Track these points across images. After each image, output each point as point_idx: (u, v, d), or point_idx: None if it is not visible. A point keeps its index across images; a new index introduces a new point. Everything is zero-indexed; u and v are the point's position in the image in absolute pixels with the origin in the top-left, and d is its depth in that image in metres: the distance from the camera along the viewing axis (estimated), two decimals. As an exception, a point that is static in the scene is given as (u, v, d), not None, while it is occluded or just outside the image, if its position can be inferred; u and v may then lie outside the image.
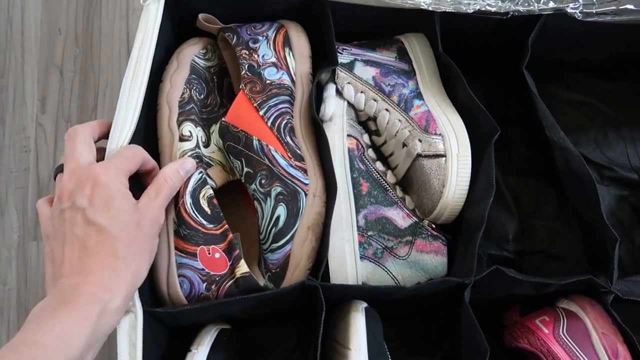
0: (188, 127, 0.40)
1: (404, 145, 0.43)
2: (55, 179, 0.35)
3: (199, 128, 0.41)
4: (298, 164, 0.41)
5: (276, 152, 0.40)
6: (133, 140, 0.37)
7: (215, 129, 0.43)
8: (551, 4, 0.43)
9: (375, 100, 0.45)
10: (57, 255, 0.32)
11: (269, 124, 0.41)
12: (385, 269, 0.42)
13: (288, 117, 0.42)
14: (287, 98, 0.42)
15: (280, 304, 0.42)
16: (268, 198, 0.39)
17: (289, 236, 0.39)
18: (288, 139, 0.41)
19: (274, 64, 0.42)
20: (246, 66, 0.42)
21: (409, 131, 0.43)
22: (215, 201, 0.39)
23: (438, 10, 0.43)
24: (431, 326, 0.47)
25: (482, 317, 0.39)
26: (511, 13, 0.43)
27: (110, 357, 0.48)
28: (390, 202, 0.42)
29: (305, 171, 0.41)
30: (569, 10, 0.43)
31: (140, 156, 0.36)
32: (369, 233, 0.42)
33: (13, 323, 0.52)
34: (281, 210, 0.39)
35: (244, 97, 0.41)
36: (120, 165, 0.34)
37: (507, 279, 0.40)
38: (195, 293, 0.38)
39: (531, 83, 0.47)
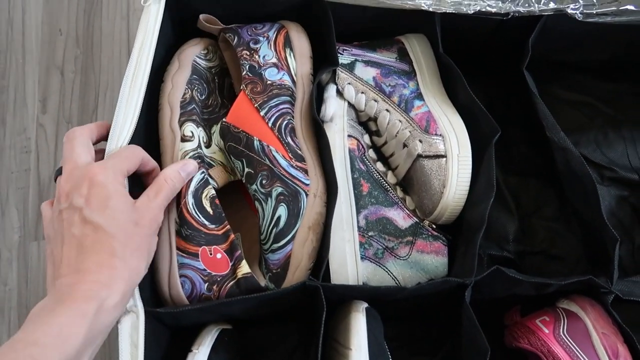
0: (190, 128, 0.40)
1: (405, 145, 0.43)
2: (55, 181, 0.35)
3: (200, 128, 0.41)
4: (299, 164, 0.41)
5: (277, 152, 0.40)
6: (133, 141, 0.37)
7: (216, 129, 0.43)
8: (551, 5, 0.43)
9: (375, 100, 0.45)
10: (57, 256, 0.32)
11: (269, 124, 0.41)
12: (386, 270, 0.42)
13: (289, 117, 0.42)
14: (288, 98, 0.42)
15: (281, 304, 0.42)
16: (269, 198, 0.39)
17: (289, 236, 0.39)
18: (289, 139, 0.41)
19: (274, 65, 0.42)
20: (247, 67, 0.42)
21: (410, 132, 0.43)
22: (217, 201, 0.39)
23: (438, 11, 0.43)
24: (432, 326, 0.47)
25: (482, 317, 0.39)
26: (511, 14, 0.44)
27: (111, 357, 0.48)
28: (391, 202, 0.43)
29: (306, 171, 0.41)
30: (569, 11, 0.43)
31: (138, 156, 0.36)
32: (370, 233, 0.42)
33: (14, 323, 0.52)
34: (282, 211, 0.39)
35: (244, 98, 0.41)
36: (118, 165, 0.34)
37: (507, 279, 0.40)
38: (197, 293, 0.38)
39: (531, 84, 0.47)
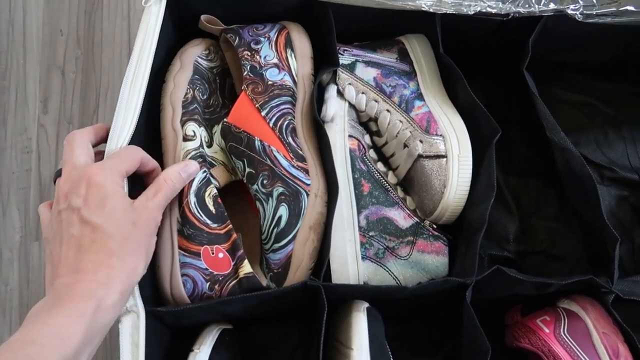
0: (192, 127, 0.40)
1: (405, 146, 0.43)
2: (55, 183, 0.35)
3: (202, 128, 0.41)
4: (300, 164, 0.41)
5: (278, 152, 0.40)
6: (133, 141, 0.37)
7: (217, 129, 0.43)
8: (552, 6, 0.43)
9: (376, 101, 0.45)
10: (55, 256, 0.32)
11: (270, 124, 0.41)
12: (387, 269, 0.42)
13: (290, 117, 0.42)
14: (289, 99, 0.42)
15: (282, 304, 0.42)
16: (270, 198, 0.39)
17: (290, 236, 0.39)
18: (290, 139, 0.41)
19: (275, 65, 0.43)
20: (248, 67, 0.42)
21: (410, 132, 0.43)
22: (219, 200, 0.39)
23: (439, 12, 0.43)
24: (433, 326, 0.48)
25: (483, 317, 0.39)
26: (512, 14, 0.44)
27: (112, 357, 0.48)
28: (392, 202, 0.43)
29: (307, 171, 0.41)
30: (569, 11, 0.43)
31: (138, 157, 0.36)
32: (371, 233, 0.42)
33: (15, 323, 0.52)
34: (283, 211, 0.39)
35: (246, 98, 0.41)
36: (116, 165, 0.34)
37: (508, 279, 0.40)
38: (199, 292, 0.38)
39: (532, 84, 0.47)
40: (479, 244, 0.40)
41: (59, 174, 0.35)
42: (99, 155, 0.36)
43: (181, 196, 0.38)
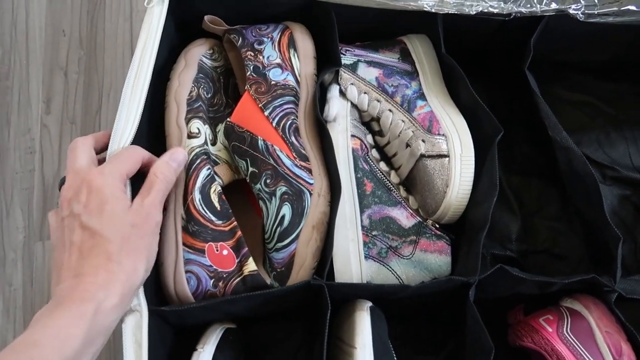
0: (196, 124, 0.41)
1: (408, 145, 0.44)
2: (60, 190, 0.35)
3: (206, 126, 0.41)
4: (303, 163, 0.41)
5: (281, 152, 0.40)
6: (135, 142, 0.37)
7: (221, 128, 0.43)
8: (553, 5, 0.43)
9: (378, 101, 0.45)
10: (59, 262, 0.33)
11: (274, 124, 0.41)
12: (390, 269, 0.42)
13: (293, 117, 0.42)
14: (292, 99, 0.42)
15: (285, 303, 0.42)
16: (273, 197, 0.40)
17: (293, 235, 0.39)
18: (293, 139, 0.41)
19: (278, 65, 0.43)
20: (251, 67, 0.42)
21: (412, 131, 0.43)
22: (224, 197, 0.39)
23: (441, 12, 0.43)
24: (436, 325, 0.48)
25: (486, 316, 0.39)
26: (513, 14, 0.44)
27: (115, 357, 0.48)
28: (394, 202, 0.43)
29: (310, 171, 0.41)
30: (571, 11, 0.43)
31: (138, 157, 0.36)
32: (373, 233, 0.42)
33: (19, 323, 0.52)
34: (286, 210, 0.39)
35: (249, 98, 0.41)
36: (116, 169, 0.34)
37: (511, 278, 0.40)
38: (202, 289, 0.38)
39: (533, 84, 0.47)
40: (481, 243, 0.40)
41: (63, 181, 0.35)
42: (103, 162, 0.36)
43: (186, 193, 0.38)
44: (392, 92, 0.45)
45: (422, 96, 0.45)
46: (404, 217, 0.42)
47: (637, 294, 0.44)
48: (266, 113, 0.41)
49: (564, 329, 0.40)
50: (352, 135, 0.44)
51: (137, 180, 0.36)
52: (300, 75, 0.43)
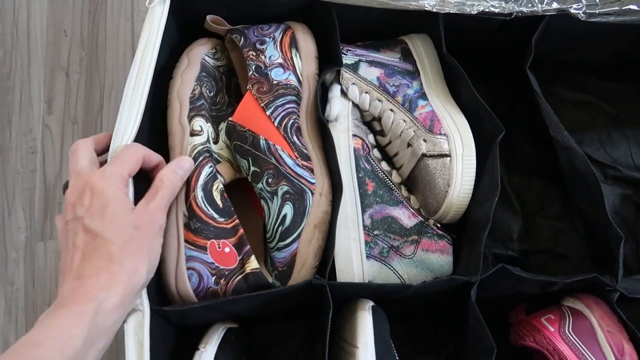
0: (199, 122, 0.41)
1: (409, 145, 0.44)
2: (64, 194, 0.36)
3: (209, 124, 0.42)
4: (305, 163, 0.41)
5: (283, 151, 0.40)
6: (137, 141, 0.37)
7: (223, 126, 0.43)
8: (554, 5, 0.43)
9: (379, 100, 0.45)
10: (64, 265, 0.33)
11: (275, 123, 0.41)
12: (392, 268, 0.42)
13: (295, 117, 0.42)
14: (294, 98, 0.42)
15: (287, 302, 0.42)
16: (275, 197, 0.40)
17: (295, 234, 0.39)
18: (295, 138, 0.41)
19: (280, 65, 0.43)
20: (253, 67, 0.42)
21: (414, 131, 0.43)
22: (226, 195, 0.39)
23: (442, 12, 0.43)
24: (437, 325, 0.48)
25: (487, 315, 0.39)
26: (515, 14, 0.44)
27: (117, 357, 0.48)
28: (396, 201, 0.43)
29: (311, 170, 0.41)
30: (572, 10, 0.43)
31: (139, 156, 0.36)
32: (375, 232, 0.42)
33: (21, 323, 0.52)
34: (288, 209, 0.39)
35: (251, 97, 0.42)
36: (117, 170, 0.34)
37: (513, 278, 0.40)
38: (204, 286, 0.38)
39: (535, 83, 0.47)
40: (483, 243, 0.40)
41: (67, 185, 0.35)
42: (104, 164, 0.36)
43: (188, 190, 0.38)
44: (394, 92, 0.45)
45: (423, 96, 0.45)
46: (406, 217, 0.42)
47: (639, 293, 0.44)
48: (268, 112, 0.41)
49: (566, 328, 0.40)
50: (354, 135, 0.44)
51: (139, 179, 0.36)
52: (302, 75, 0.43)
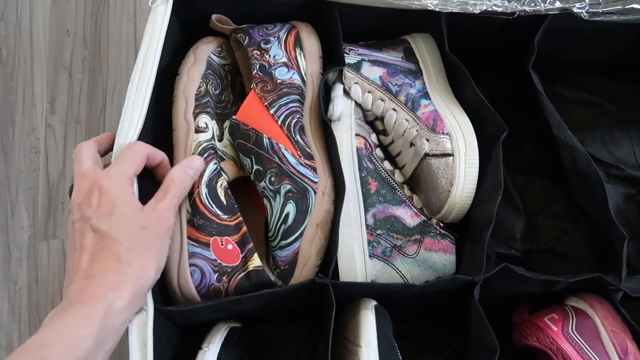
0: (204, 119, 0.41)
1: (412, 144, 0.44)
2: (70, 197, 0.36)
3: (214, 121, 0.42)
4: (307, 162, 0.41)
5: (286, 150, 0.40)
6: (141, 139, 0.37)
7: (227, 124, 0.43)
8: (557, 4, 0.43)
9: (382, 100, 0.45)
10: (70, 266, 0.33)
11: (279, 122, 0.41)
12: (394, 268, 0.42)
13: (298, 116, 0.42)
14: (298, 97, 0.42)
15: (290, 301, 0.42)
16: (277, 195, 0.40)
17: (297, 233, 0.39)
18: (298, 137, 0.41)
19: (285, 64, 0.43)
20: (257, 66, 0.42)
21: (417, 130, 0.43)
22: (230, 192, 0.39)
23: (445, 11, 0.43)
24: (440, 324, 0.48)
25: (490, 315, 0.39)
26: (517, 13, 0.44)
27: (120, 357, 0.48)
28: (399, 200, 0.43)
29: (314, 169, 0.41)
30: (575, 10, 0.43)
31: (143, 154, 0.36)
32: (378, 231, 0.42)
33: (25, 322, 0.52)
34: (290, 208, 0.39)
35: (255, 96, 0.42)
36: (122, 170, 0.35)
37: (516, 277, 0.40)
38: (206, 283, 0.38)
39: (537, 82, 0.47)
40: (486, 242, 0.40)
41: (72, 187, 0.35)
42: (108, 165, 0.36)
43: (192, 186, 0.38)
44: (396, 91, 0.45)
45: (426, 95, 0.45)
46: (408, 216, 0.42)
47: (643, 292, 0.44)
48: (272, 111, 0.41)
49: (569, 328, 0.40)
50: (357, 134, 0.44)
51: (142, 176, 0.36)
52: (306, 74, 0.44)
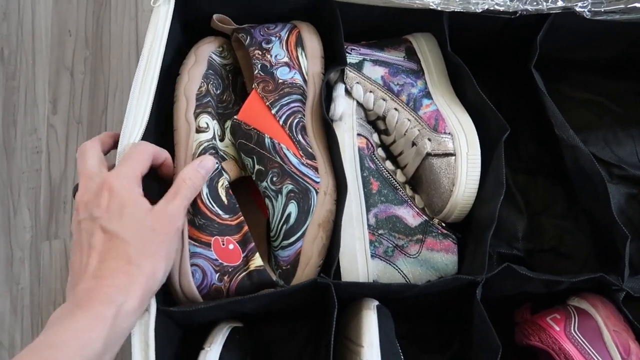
0: (205, 119, 0.41)
1: (414, 144, 0.44)
2: (74, 197, 0.36)
3: (215, 121, 0.42)
4: (309, 162, 0.41)
5: (288, 150, 0.40)
6: (144, 139, 0.37)
7: (229, 124, 0.43)
8: (560, 3, 0.43)
9: (384, 99, 0.45)
10: (76, 265, 0.33)
11: (281, 122, 0.41)
12: (396, 267, 0.42)
13: (300, 115, 0.42)
14: (299, 97, 0.42)
15: (291, 301, 0.42)
16: (279, 195, 0.40)
17: (299, 233, 0.39)
18: (300, 137, 0.41)
19: (286, 64, 0.43)
20: (259, 66, 0.42)
21: (419, 130, 0.43)
22: (231, 192, 0.39)
23: (447, 10, 0.43)
24: (442, 324, 0.48)
25: (492, 315, 0.39)
26: (520, 12, 0.44)
27: (122, 356, 0.48)
28: (400, 200, 0.43)
29: (316, 169, 0.41)
30: (577, 9, 0.43)
31: (148, 154, 0.36)
32: (380, 231, 0.42)
33: (27, 321, 0.53)
34: (292, 208, 0.39)
35: (256, 96, 0.42)
36: (130, 171, 0.35)
37: (518, 277, 0.40)
38: (207, 283, 0.38)
39: (540, 82, 0.47)
40: (488, 242, 0.40)
41: (77, 187, 0.35)
42: (112, 166, 0.36)
43: None
44: (398, 91, 0.45)
45: (427, 95, 0.45)
46: (410, 216, 0.42)
47: (645, 292, 0.44)
48: (273, 111, 0.41)
49: (572, 328, 0.40)
50: (358, 134, 0.44)
51: (145, 175, 0.36)
52: (308, 74, 0.44)
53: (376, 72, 0.46)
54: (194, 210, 0.38)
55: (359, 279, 0.41)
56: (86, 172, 0.35)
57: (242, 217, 0.39)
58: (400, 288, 0.40)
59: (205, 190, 0.38)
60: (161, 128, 0.42)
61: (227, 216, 0.39)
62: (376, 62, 0.46)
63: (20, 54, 0.59)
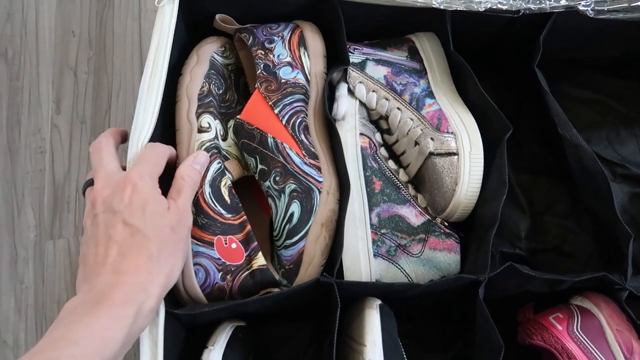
0: (207, 119, 0.41)
1: (416, 143, 0.44)
2: (84, 192, 0.36)
3: (217, 121, 0.42)
4: (312, 161, 0.41)
5: (291, 149, 0.40)
6: (152, 139, 0.38)
7: (232, 124, 0.43)
8: (563, 2, 0.43)
9: (386, 99, 0.45)
10: (90, 257, 0.32)
11: (283, 122, 0.41)
12: (399, 267, 0.42)
13: (303, 115, 0.42)
14: (302, 97, 0.42)
15: (295, 301, 0.42)
16: (282, 195, 0.40)
17: (302, 233, 0.39)
18: (302, 137, 0.41)
19: (289, 64, 0.43)
20: (262, 65, 0.43)
21: (421, 130, 0.43)
22: (234, 191, 0.39)
23: (449, 9, 0.43)
24: (445, 323, 0.48)
25: (495, 314, 0.39)
26: (522, 11, 0.44)
27: (126, 357, 0.49)
28: (403, 200, 0.43)
29: (319, 169, 0.41)
30: (580, 7, 0.43)
31: (165, 156, 0.37)
32: (382, 231, 0.42)
33: (31, 321, 0.53)
34: (295, 207, 0.39)
35: (259, 96, 0.42)
36: (152, 171, 0.35)
37: (521, 276, 0.40)
38: (210, 282, 0.38)
39: (543, 81, 0.47)
40: (491, 241, 0.40)
41: (89, 183, 0.35)
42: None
43: None
44: (401, 90, 0.45)
45: (430, 94, 0.45)
46: (413, 216, 0.42)
47: (648, 292, 0.44)
48: (276, 111, 0.41)
49: (575, 327, 0.40)
50: (361, 134, 0.44)
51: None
52: (310, 73, 0.44)
53: (379, 72, 0.46)
54: (197, 209, 0.38)
55: (361, 278, 0.41)
56: (102, 167, 0.35)
57: (244, 217, 0.39)
58: (402, 287, 0.40)
59: (208, 190, 0.38)
60: (164, 127, 0.42)
61: (229, 215, 0.39)
62: (379, 61, 0.46)
63: (24, 54, 0.60)
